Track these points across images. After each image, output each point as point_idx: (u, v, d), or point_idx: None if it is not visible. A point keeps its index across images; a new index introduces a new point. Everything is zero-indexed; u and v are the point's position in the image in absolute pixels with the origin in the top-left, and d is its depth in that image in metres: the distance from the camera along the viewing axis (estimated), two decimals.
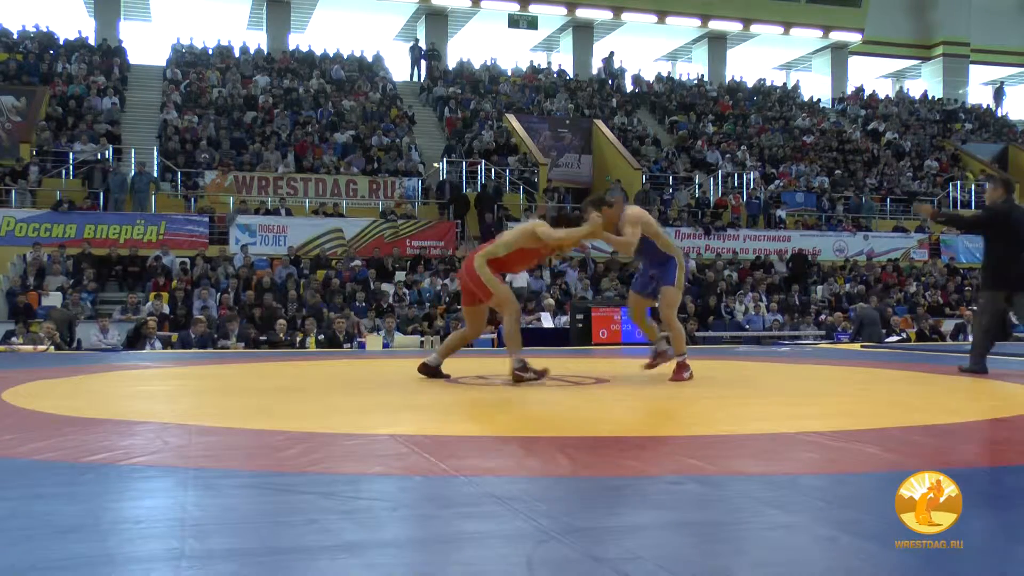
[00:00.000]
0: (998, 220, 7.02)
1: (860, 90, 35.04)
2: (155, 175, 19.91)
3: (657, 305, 6.50)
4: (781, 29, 34.07)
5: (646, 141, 26.68)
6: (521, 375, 5.91)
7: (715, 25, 33.57)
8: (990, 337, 7.25)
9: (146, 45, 31.21)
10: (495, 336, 15.01)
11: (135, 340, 12.60)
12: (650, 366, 6.72)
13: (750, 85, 33.79)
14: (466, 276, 6.14)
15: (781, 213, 23.44)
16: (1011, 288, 7.03)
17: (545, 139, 25.13)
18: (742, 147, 27.13)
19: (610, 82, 31.24)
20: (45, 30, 25.99)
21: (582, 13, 32.00)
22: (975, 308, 5.69)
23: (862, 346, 12.94)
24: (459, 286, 6.31)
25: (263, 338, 13.27)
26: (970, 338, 15.55)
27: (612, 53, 32.16)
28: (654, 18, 32.50)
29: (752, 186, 24.53)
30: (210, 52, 27.09)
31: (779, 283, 20.04)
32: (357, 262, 17.80)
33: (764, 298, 18.59)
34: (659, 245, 6.37)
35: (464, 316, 6.47)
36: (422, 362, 6.30)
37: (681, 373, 6.30)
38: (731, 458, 3.49)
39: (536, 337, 14.18)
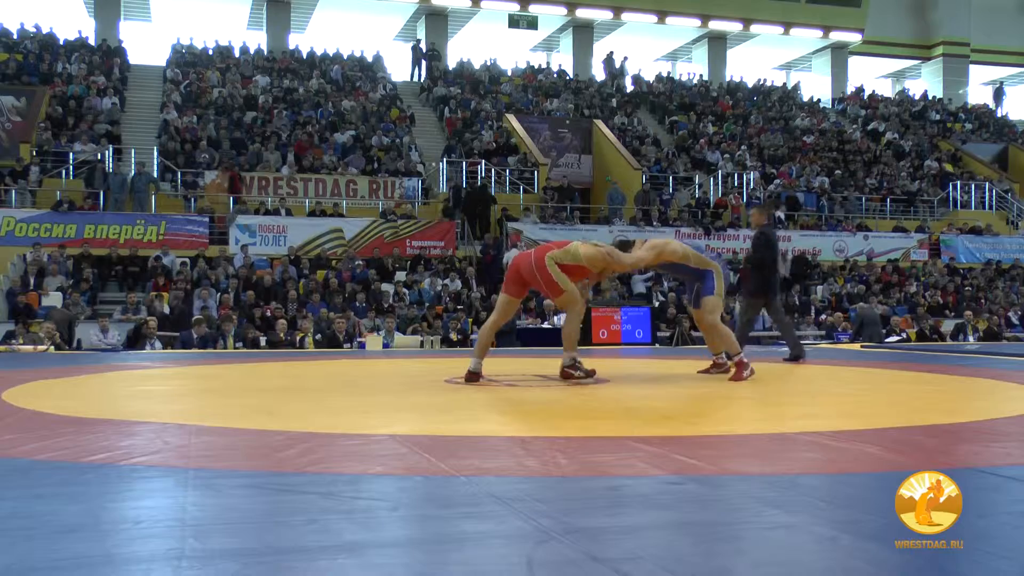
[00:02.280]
0: (767, 241, 8.76)
1: (860, 90, 35.04)
2: (155, 175, 19.91)
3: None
4: (781, 29, 34.07)
5: (646, 141, 26.68)
6: (571, 372, 6.06)
7: (715, 25, 33.58)
8: (748, 330, 8.98)
9: (146, 45, 31.23)
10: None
11: (135, 340, 12.59)
12: (704, 371, 7.08)
13: (750, 85, 33.80)
14: (527, 269, 6.22)
15: (780, 214, 23.42)
16: (771, 294, 8.79)
17: (545, 139, 25.13)
18: (742, 147, 27.13)
19: (611, 82, 31.23)
20: (47, 31, 25.99)
21: (582, 13, 32.00)
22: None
23: (862, 346, 12.94)
24: (509, 274, 6.41)
25: (262, 337, 13.27)
26: (970, 339, 15.55)
27: (611, 53, 32.18)
28: (654, 18, 32.51)
29: (752, 186, 24.53)
30: (210, 52, 27.09)
31: (779, 283, 20.02)
32: (359, 262, 17.79)
33: None
34: (693, 265, 6.71)
35: (499, 303, 6.58)
36: (468, 370, 6.26)
37: (741, 372, 6.50)
38: (731, 458, 3.49)
39: (537, 337, 14.19)
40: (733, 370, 6.58)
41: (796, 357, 8.65)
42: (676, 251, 6.67)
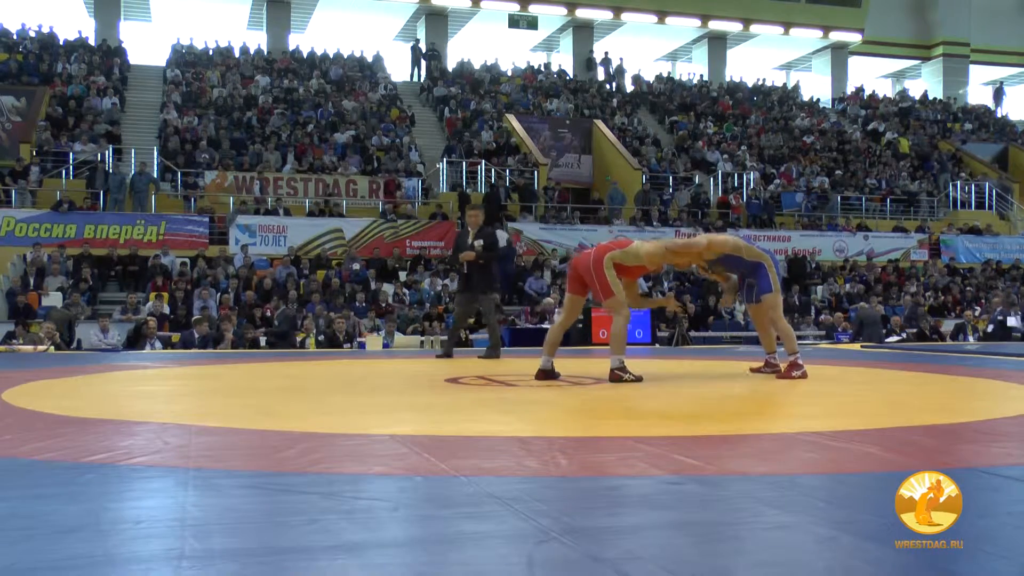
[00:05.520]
0: (493, 240, 9.31)
1: (860, 90, 35.04)
2: (155, 175, 19.91)
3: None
4: (781, 29, 34.08)
5: (646, 141, 26.69)
6: (620, 375, 6.11)
7: (715, 25, 33.58)
8: (460, 329, 9.60)
9: (146, 45, 31.26)
10: None
11: (135, 340, 12.59)
12: (756, 370, 7.07)
13: (750, 85, 33.80)
14: (584, 268, 6.33)
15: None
16: (466, 287, 9.13)
17: (545, 139, 25.14)
18: (742, 147, 27.14)
19: (609, 84, 31.24)
20: (48, 31, 25.99)
21: (582, 13, 32.01)
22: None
23: (862, 346, 12.94)
24: (570, 273, 6.60)
25: (262, 337, 13.26)
26: (970, 339, 15.52)
27: (607, 53, 32.21)
28: (654, 18, 32.52)
29: (752, 186, 24.53)
30: (210, 52, 27.10)
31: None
32: (356, 264, 17.78)
33: None
34: (746, 257, 6.71)
35: (565, 303, 6.78)
36: (538, 369, 6.46)
37: (791, 371, 6.51)
38: (731, 458, 3.49)
39: (537, 337, 14.19)
40: (784, 367, 6.60)
41: (490, 356, 8.94)
42: (727, 242, 6.72)
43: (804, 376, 6.47)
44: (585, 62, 32.21)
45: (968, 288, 20.55)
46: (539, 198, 21.93)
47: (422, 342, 14.31)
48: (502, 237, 18.86)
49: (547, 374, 6.38)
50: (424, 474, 3.03)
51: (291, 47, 29.59)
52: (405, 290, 17.00)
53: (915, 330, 15.17)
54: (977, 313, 17.82)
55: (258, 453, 3.54)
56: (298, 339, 13.26)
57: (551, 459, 3.32)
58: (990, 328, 15.47)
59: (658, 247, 6.50)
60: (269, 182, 20.52)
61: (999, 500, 2.76)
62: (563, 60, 33.66)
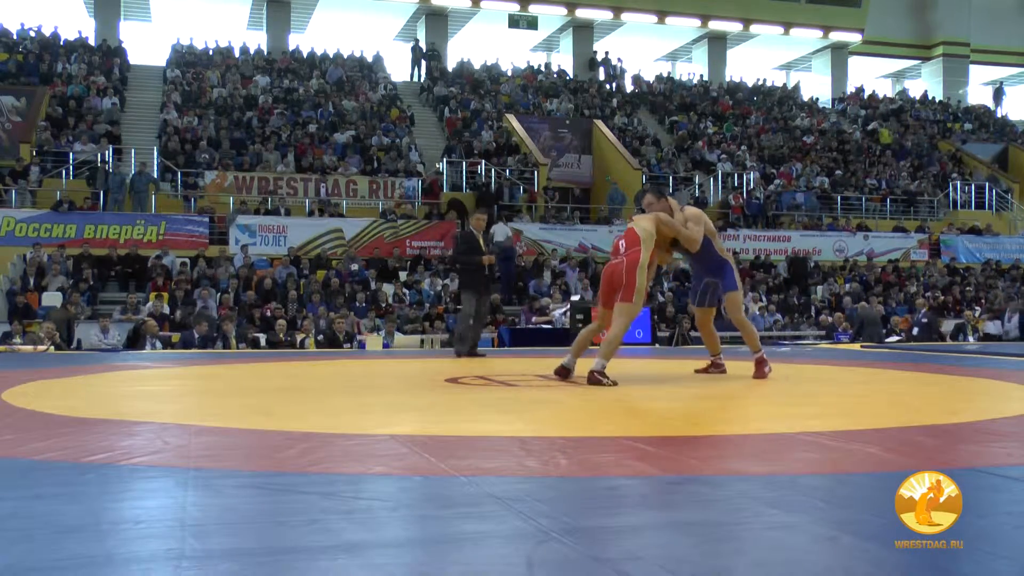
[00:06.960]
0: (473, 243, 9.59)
1: (860, 90, 35.04)
2: (155, 175, 19.91)
3: (723, 311, 6.96)
4: (781, 29, 34.08)
5: (646, 141, 26.69)
6: (599, 378, 6.04)
7: (715, 25, 33.59)
8: (475, 326, 9.50)
9: (146, 45, 31.24)
10: (495, 337, 15.03)
11: (135, 340, 12.59)
12: (702, 371, 7.01)
13: (750, 85, 33.80)
14: (618, 275, 6.20)
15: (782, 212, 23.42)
16: (480, 289, 9.39)
17: (545, 139, 25.13)
18: (742, 147, 27.13)
19: (609, 84, 31.24)
20: (52, 31, 25.98)
21: (582, 13, 32.01)
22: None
23: (862, 346, 12.94)
24: (604, 287, 6.41)
25: (262, 336, 13.26)
26: (970, 339, 15.50)
27: (607, 53, 32.24)
28: (654, 18, 32.52)
29: (752, 186, 24.53)
30: (210, 52, 27.10)
31: (779, 283, 20.03)
32: (355, 265, 17.77)
33: (764, 298, 18.57)
34: (715, 246, 6.64)
35: (600, 316, 6.62)
36: (560, 364, 6.38)
37: (762, 368, 6.56)
38: (731, 458, 3.49)
39: (536, 337, 14.20)
40: (754, 368, 6.60)
41: (458, 353, 9.26)
42: (709, 224, 6.65)
43: (770, 371, 6.56)
44: (587, 62, 32.20)
45: (968, 288, 20.55)
46: (522, 202, 21.89)
47: (422, 342, 14.32)
48: (503, 232, 18.88)
49: (566, 373, 6.33)
50: (424, 474, 3.03)
51: (291, 47, 29.59)
52: (405, 290, 17.00)
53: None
54: (977, 313, 17.80)
55: (258, 453, 3.54)
56: (298, 339, 13.26)
57: (551, 459, 3.32)
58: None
59: (655, 220, 6.41)
60: (269, 182, 20.53)
61: (999, 500, 2.76)
62: (563, 60, 33.66)
